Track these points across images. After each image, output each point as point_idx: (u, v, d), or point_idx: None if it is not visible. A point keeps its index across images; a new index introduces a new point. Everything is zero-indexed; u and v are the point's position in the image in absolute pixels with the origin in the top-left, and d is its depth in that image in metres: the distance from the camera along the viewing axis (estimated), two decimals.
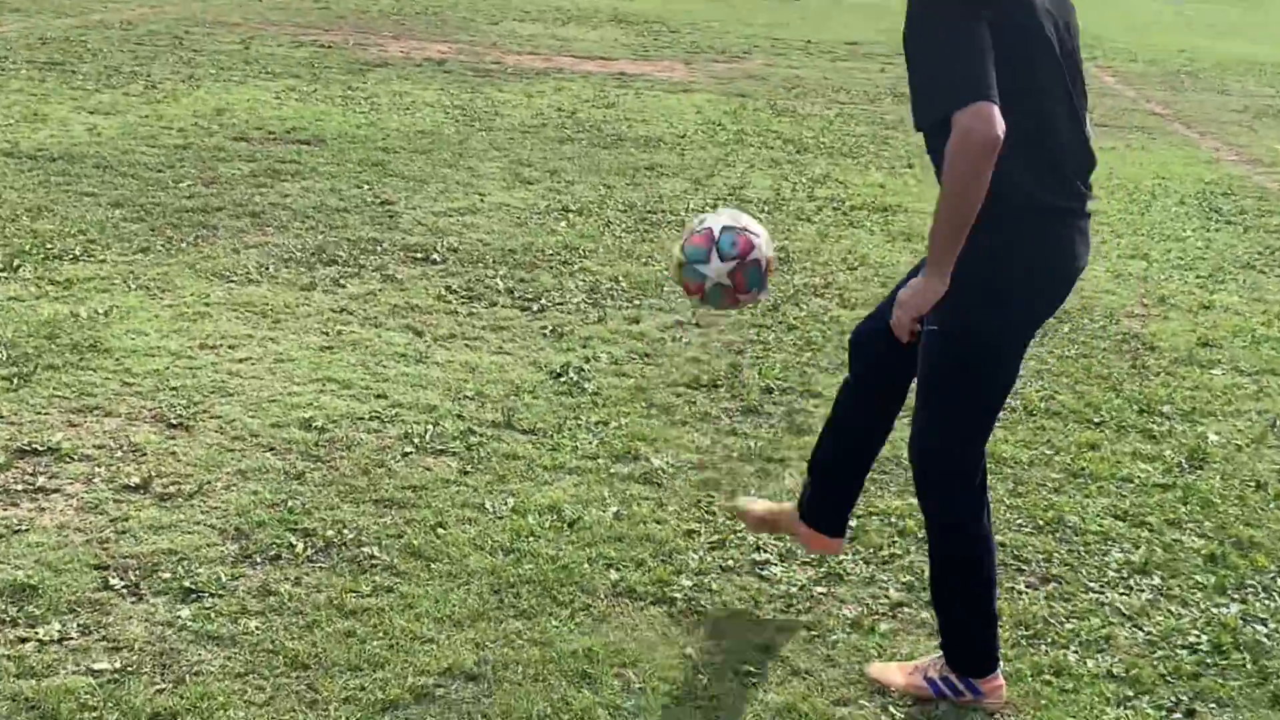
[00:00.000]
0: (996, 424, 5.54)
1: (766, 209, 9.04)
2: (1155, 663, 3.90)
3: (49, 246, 6.84)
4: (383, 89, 12.57)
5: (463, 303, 6.59)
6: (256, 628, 3.64)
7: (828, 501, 3.95)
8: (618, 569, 4.13)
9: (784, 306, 6.87)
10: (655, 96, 13.59)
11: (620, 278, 7.16)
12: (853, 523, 4.55)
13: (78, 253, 6.79)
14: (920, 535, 4.46)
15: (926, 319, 3.33)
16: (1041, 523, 4.70)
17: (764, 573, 4.22)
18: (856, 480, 4.00)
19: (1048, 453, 5.31)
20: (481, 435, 5.01)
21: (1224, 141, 13.70)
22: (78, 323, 5.79)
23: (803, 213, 9.00)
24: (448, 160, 9.76)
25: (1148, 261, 8.06)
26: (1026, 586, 4.28)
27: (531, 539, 4.25)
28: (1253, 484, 5.19)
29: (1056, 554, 4.51)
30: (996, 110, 2.97)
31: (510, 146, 10.43)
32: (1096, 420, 5.71)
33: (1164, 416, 5.81)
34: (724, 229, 3.75)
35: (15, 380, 5.14)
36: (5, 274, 6.39)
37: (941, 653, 3.66)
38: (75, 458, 4.57)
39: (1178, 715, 3.68)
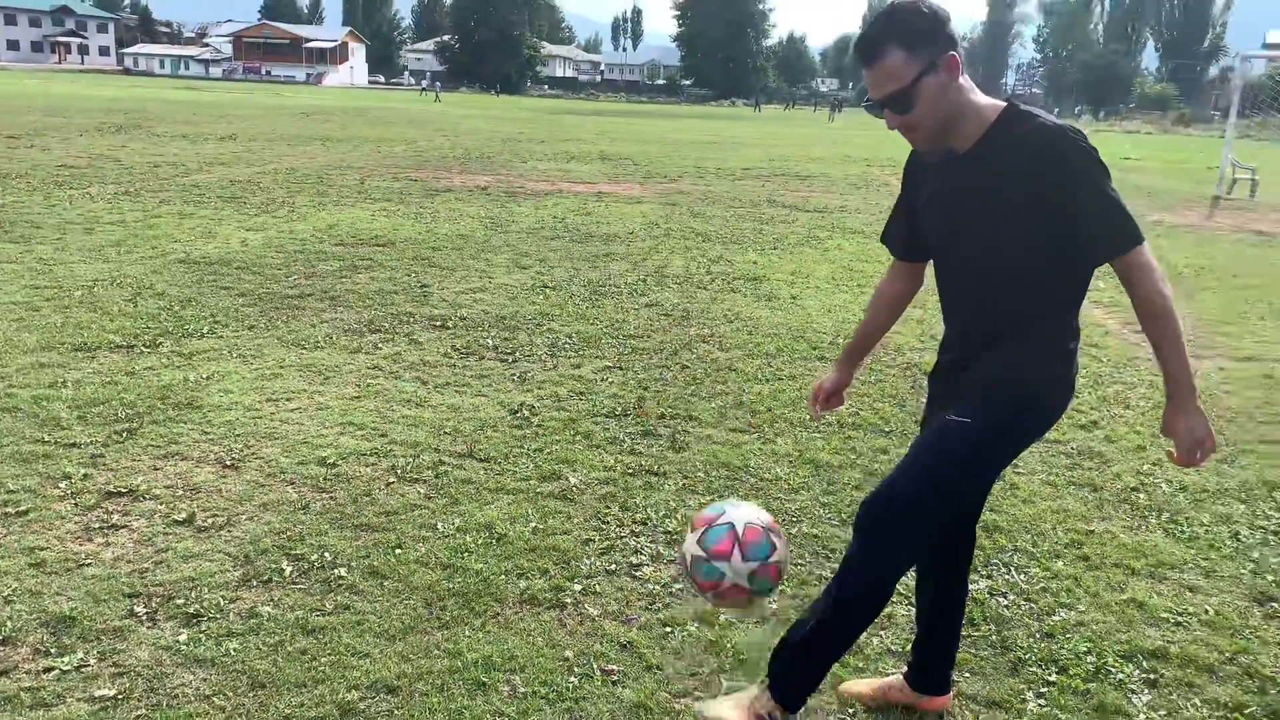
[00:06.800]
0: (815, 434, 4.72)
1: (679, 281, 8.14)
2: None
3: (186, 327, 5.98)
4: (443, 206, 11.67)
5: (460, 357, 5.72)
6: (235, 649, 2.80)
7: (928, 665, 2.71)
8: (527, 578, 3.27)
9: (681, 353, 6.02)
10: (617, 206, 12.65)
11: (574, 335, 6.30)
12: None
13: (205, 331, 5.93)
14: None
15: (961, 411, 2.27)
16: (846, 516, 3.85)
17: (638, 573, 3.37)
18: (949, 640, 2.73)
19: (852, 457, 4.47)
20: (448, 465, 4.16)
21: None
22: (186, 386, 4.94)
23: (701, 283, 8.07)
24: (473, 254, 8.84)
25: (923, 309, 7.15)
26: (830, 573, 3.42)
27: (466, 554, 3.40)
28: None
29: None
30: None
31: (517, 244, 9.51)
32: (886, 429, 4.85)
33: None
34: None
35: (125, 434, 4.30)
36: (150, 349, 5.53)
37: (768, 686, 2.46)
38: (147, 497, 3.73)
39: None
